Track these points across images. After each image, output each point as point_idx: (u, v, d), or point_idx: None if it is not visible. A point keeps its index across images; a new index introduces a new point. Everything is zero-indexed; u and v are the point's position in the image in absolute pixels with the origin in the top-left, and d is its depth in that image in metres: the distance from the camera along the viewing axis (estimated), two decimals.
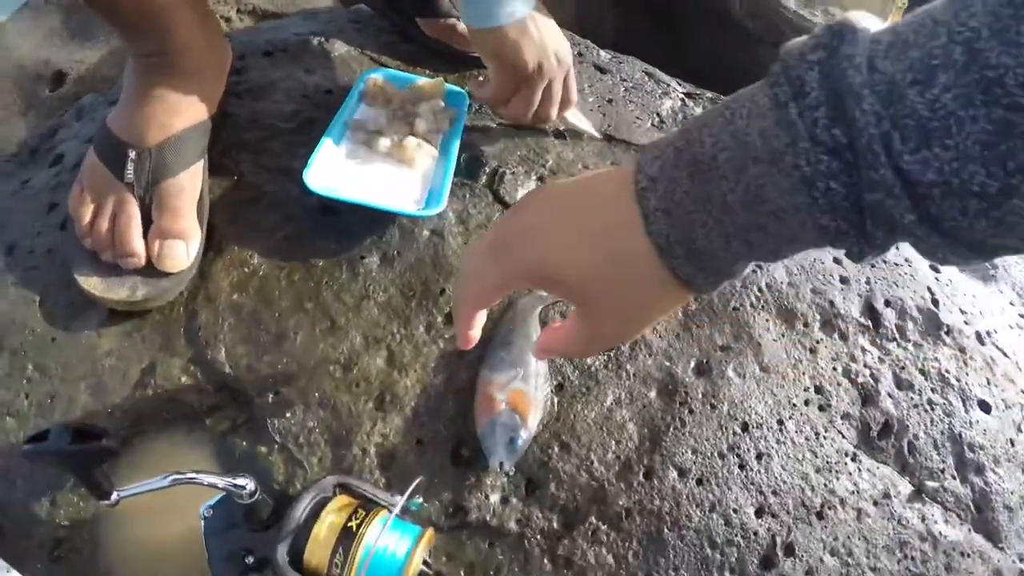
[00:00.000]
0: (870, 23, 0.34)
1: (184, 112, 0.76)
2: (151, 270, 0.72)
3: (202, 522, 0.57)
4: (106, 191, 0.72)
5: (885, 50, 0.32)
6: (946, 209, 0.31)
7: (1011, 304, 0.99)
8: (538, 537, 0.64)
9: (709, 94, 1.17)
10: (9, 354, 0.71)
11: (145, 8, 0.70)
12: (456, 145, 0.83)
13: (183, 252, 0.72)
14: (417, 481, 0.56)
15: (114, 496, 0.52)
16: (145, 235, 0.72)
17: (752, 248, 0.38)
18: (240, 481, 0.53)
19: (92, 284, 0.71)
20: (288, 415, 0.66)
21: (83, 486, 0.51)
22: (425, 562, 0.55)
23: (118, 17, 0.72)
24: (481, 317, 0.53)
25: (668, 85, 1.13)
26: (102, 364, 0.70)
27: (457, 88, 0.91)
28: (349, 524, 0.54)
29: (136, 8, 0.69)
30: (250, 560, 0.54)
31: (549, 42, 0.82)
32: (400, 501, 0.55)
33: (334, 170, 0.77)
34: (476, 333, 0.53)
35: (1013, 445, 0.81)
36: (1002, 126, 0.28)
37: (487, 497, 0.64)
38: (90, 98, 1.03)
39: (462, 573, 0.63)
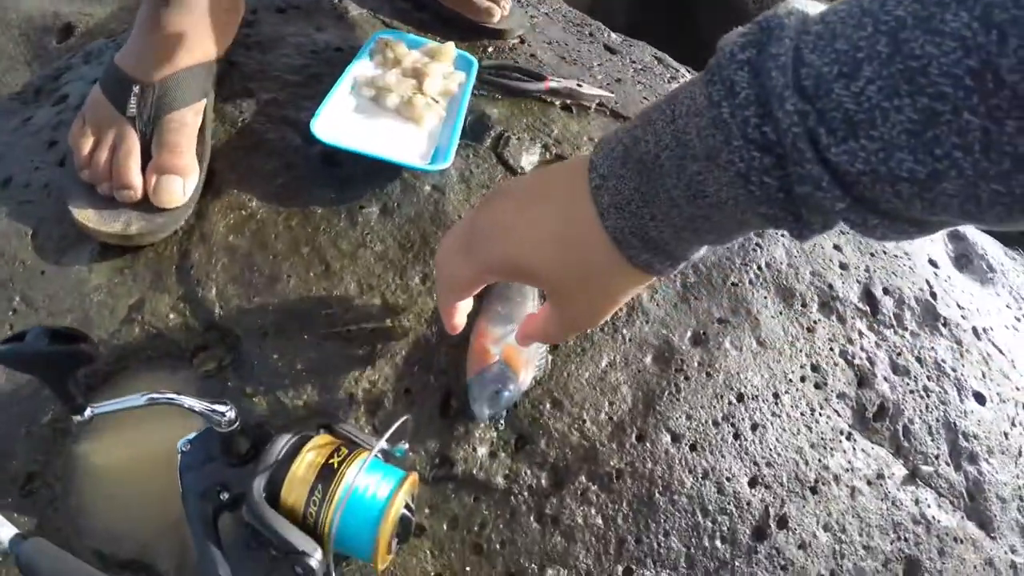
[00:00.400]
0: (807, 6, 0.35)
1: (192, 49, 0.75)
2: (147, 206, 0.71)
3: (179, 456, 0.54)
4: (107, 124, 0.72)
5: (813, 42, 0.32)
6: (879, 193, 0.31)
7: (1007, 307, 0.99)
8: (525, 494, 0.63)
9: None
10: None
11: None
12: (463, 107, 0.82)
13: (179, 188, 0.71)
14: (402, 420, 0.55)
15: (88, 411, 0.50)
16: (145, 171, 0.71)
17: (701, 235, 0.41)
18: (220, 407, 0.51)
19: (86, 216, 0.70)
20: (275, 356, 0.65)
21: (57, 397, 0.49)
22: (407, 506, 0.54)
23: None
24: (464, 306, 0.57)
25: (677, 70, 1.13)
26: (90, 298, 0.68)
27: (466, 54, 0.91)
28: (330, 462, 0.52)
29: None
30: (225, 496, 0.52)
31: None
32: (383, 440, 0.53)
33: (341, 122, 0.77)
34: (461, 320, 0.58)
35: (1007, 438, 0.81)
36: (927, 115, 0.28)
37: (475, 450, 0.63)
38: (100, 43, 1.03)
39: (445, 526, 0.61)
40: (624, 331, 0.72)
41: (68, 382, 0.48)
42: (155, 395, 0.51)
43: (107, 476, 0.63)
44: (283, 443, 0.53)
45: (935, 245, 1.01)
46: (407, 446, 0.60)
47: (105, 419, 0.52)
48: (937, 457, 0.76)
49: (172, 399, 0.51)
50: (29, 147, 0.82)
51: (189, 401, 0.51)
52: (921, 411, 0.78)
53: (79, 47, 1.32)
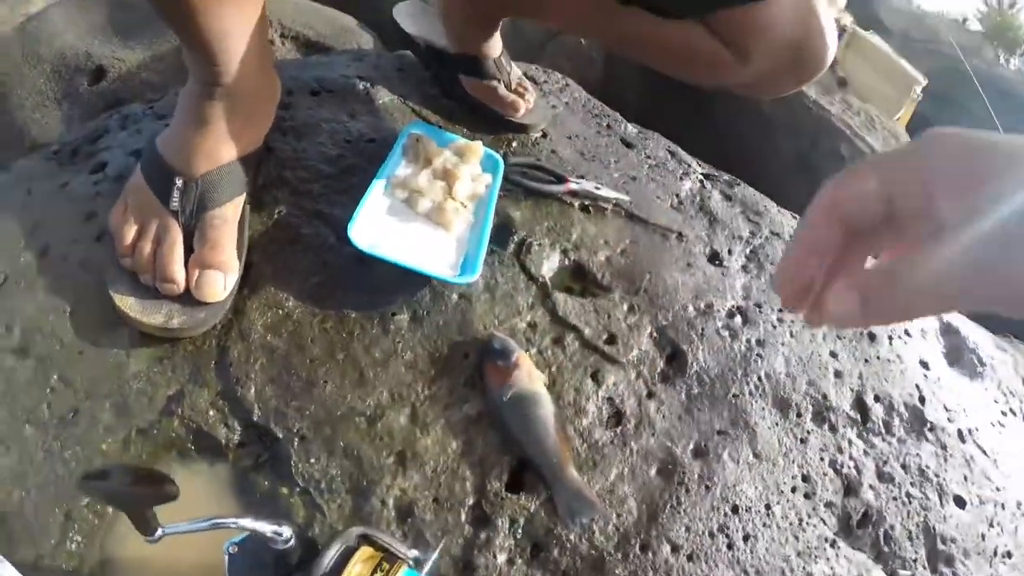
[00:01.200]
0: None
1: (234, 143, 0.78)
2: (188, 298, 0.74)
3: (226, 558, 0.59)
4: (151, 215, 0.75)
5: None
6: None
7: (995, 401, 1.06)
8: None
9: (725, 176, 1.23)
10: (35, 361, 0.72)
11: (214, 27, 0.70)
12: (491, 212, 0.87)
13: (221, 283, 0.75)
14: (442, 544, 0.60)
15: (159, 532, 0.54)
16: (185, 263, 0.74)
17: None
18: (280, 529, 0.56)
19: (128, 305, 0.73)
20: (312, 460, 0.69)
21: (132, 521, 0.53)
22: None
23: (186, 32, 0.73)
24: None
25: (689, 165, 1.19)
26: (129, 385, 0.72)
27: (493, 153, 0.96)
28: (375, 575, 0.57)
29: (205, 26, 0.70)
30: None
31: None
32: (430, 560, 0.58)
33: (376, 227, 0.81)
34: None
35: (984, 539, 0.88)
36: None
37: (495, 557, 0.68)
38: (137, 107, 1.05)
39: None
40: (632, 443, 0.77)
41: (147, 511, 0.52)
42: (220, 520, 0.55)
43: (147, 565, 0.66)
44: (331, 556, 0.57)
45: (928, 343, 1.08)
46: (437, 555, 0.65)
47: None
48: (915, 561, 0.83)
49: (237, 523, 0.55)
50: (66, 216, 0.84)
51: (253, 524, 0.55)
52: (903, 517, 0.85)
53: (109, 93, 1.36)
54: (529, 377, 0.75)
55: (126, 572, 0.66)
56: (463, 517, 0.69)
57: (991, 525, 0.90)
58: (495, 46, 1.08)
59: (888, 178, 0.36)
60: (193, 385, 0.73)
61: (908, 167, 0.36)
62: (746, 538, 0.76)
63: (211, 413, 0.71)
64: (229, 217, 0.77)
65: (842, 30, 1.91)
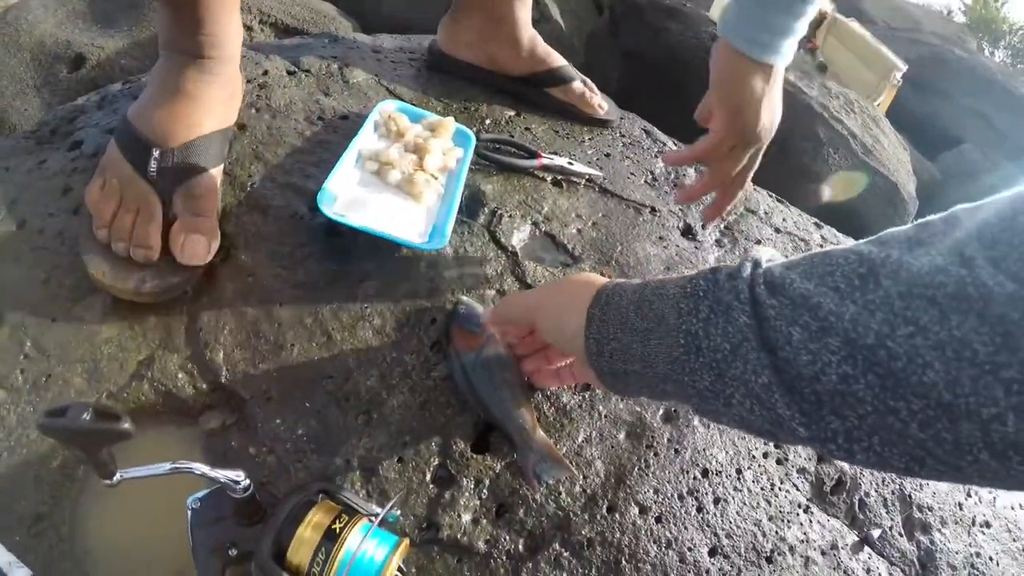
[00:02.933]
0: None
1: (215, 114, 0.79)
2: (161, 264, 0.74)
3: (189, 512, 0.60)
4: (127, 185, 0.75)
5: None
6: None
7: None
8: (503, 558, 0.68)
9: None
10: (9, 328, 0.73)
11: (204, 4, 0.73)
12: (461, 184, 0.88)
13: (205, 247, 0.75)
14: (397, 497, 0.61)
15: (117, 476, 0.54)
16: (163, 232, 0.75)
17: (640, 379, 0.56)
18: (236, 476, 0.56)
19: (102, 272, 0.73)
20: (278, 421, 0.70)
21: (89, 463, 0.53)
22: (400, 569, 0.59)
23: (176, 7, 0.75)
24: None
25: (664, 144, 1.20)
26: (101, 351, 0.72)
27: (465, 128, 0.97)
28: (332, 526, 0.58)
29: (195, 3, 0.72)
30: (233, 552, 0.58)
31: (778, 105, 0.85)
32: (382, 512, 0.59)
33: (346, 197, 0.82)
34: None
35: (961, 508, 0.88)
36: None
37: (459, 516, 0.68)
38: (115, 88, 1.06)
39: None
40: (600, 407, 0.78)
41: (102, 453, 0.53)
42: (179, 465, 0.55)
43: (116, 523, 0.67)
44: (289, 506, 0.58)
45: None
46: (399, 512, 0.65)
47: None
48: (891, 528, 0.83)
49: (193, 469, 0.55)
50: (43, 191, 0.85)
51: (209, 471, 0.56)
52: (878, 484, 0.85)
53: (88, 80, 1.37)
54: (496, 342, 0.75)
55: (97, 532, 0.66)
56: (427, 476, 0.69)
57: (968, 495, 0.91)
58: (557, 55, 1.16)
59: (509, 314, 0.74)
60: (163, 350, 0.73)
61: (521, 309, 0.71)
62: (716, 501, 0.77)
63: (180, 376, 0.72)
64: (211, 186, 0.78)
65: (823, 16, 1.92)
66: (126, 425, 0.51)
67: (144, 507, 0.66)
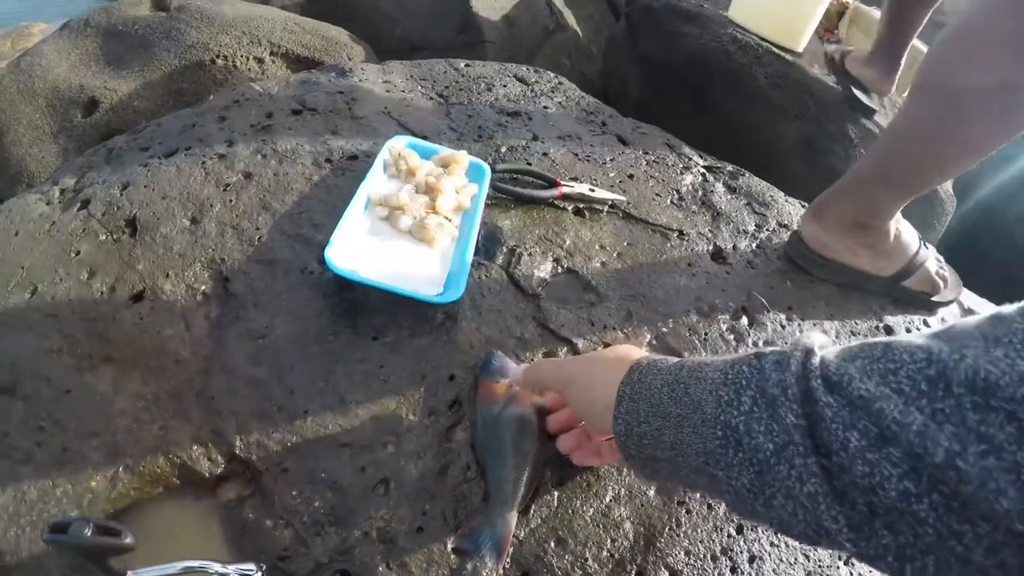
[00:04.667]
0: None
1: None
2: None
3: None
4: None
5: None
6: None
7: None
8: None
9: (730, 167, 1.19)
10: (23, 401, 0.72)
11: None
12: (476, 224, 0.85)
13: None
14: None
15: None
16: None
17: (670, 467, 0.53)
18: (248, 569, 0.55)
19: None
20: (294, 493, 0.67)
21: (97, 569, 0.52)
22: None
23: None
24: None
25: (690, 159, 1.15)
26: (116, 423, 0.71)
27: (479, 161, 0.93)
28: None
29: None
30: None
31: None
32: None
33: (355, 248, 0.79)
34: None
35: None
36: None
37: None
38: (122, 139, 1.06)
39: None
40: None
41: (109, 560, 0.52)
42: (190, 563, 0.54)
43: None
44: None
45: None
46: None
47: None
48: None
49: (206, 567, 0.54)
50: (53, 256, 0.85)
51: (222, 567, 0.54)
52: None
53: (103, 125, 1.36)
54: (522, 401, 0.72)
55: None
56: (448, 546, 0.66)
57: None
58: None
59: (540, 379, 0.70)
60: (177, 420, 0.72)
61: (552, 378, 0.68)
62: (751, 560, 0.72)
63: (195, 448, 0.70)
64: None
65: (844, 7, 1.85)
66: (128, 540, 0.50)
67: None
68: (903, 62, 1.56)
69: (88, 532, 0.49)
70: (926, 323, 1.03)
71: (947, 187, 1.66)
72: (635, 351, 0.62)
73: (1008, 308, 0.38)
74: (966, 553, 0.35)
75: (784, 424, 0.42)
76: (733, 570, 0.71)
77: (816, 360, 0.44)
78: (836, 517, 0.40)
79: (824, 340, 0.47)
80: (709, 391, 0.49)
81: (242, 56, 1.46)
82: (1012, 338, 0.35)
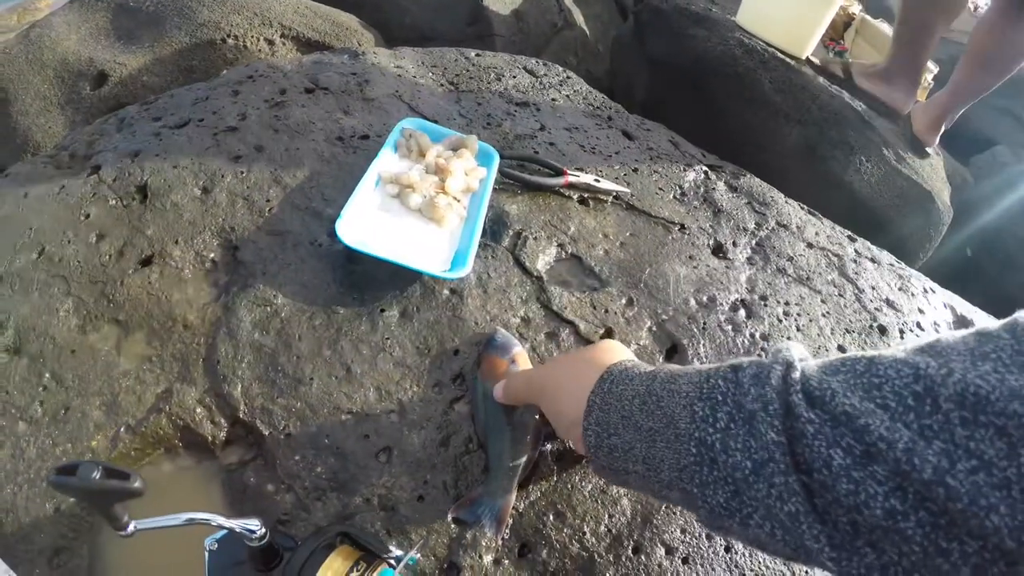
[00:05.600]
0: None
1: None
2: None
3: (207, 554, 0.59)
4: None
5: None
6: None
7: None
8: None
9: (731, 167, 1.20)
10: (28, 359, 0.73)
11: None
12: (484, 206, 0.86)
13: None
14: (420, 542, 0.59)
15: (131, 527, 0.53)
16: None
17: (642, 480, 0.52)
18: (252, 525, 0.55)
19: None
20: (297, 458, 0.68)
21: (102, 517, 0.52)
22: None
23: None
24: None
25: (693, 157, 1.16)
26: (119, 383, 0.72)
27: (488, 146, 0.94)
28: (351, 574, 0.56)
29: None
30: None
31: None
32: (404, 558, 0.57)
33: (365, 223, 0.80)
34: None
35: None
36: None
37: (481, 557, 0.66)
38: (134, 109, 1.06)
39: None
40: None
41: (115, 507, 0.52)
42: (193, 515, 0.54)
43: (135, 559, 0.66)
44: (307, 553, 0.57)
45: (940, 335, 1.04)
46: (419, 556, 0.64)
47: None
48: None
49: (208, 520, 0.54)
50: (62, 218, 0.85)
51: (224, 521, 0.54)
52: None
53: (111, 98, 1.36)
54: None
55: (116, 568, 0.65)
56: (449, 516, 0.67)
57: None
58: None
59: (514, 392, 0.69)
60: (181, 383, 0.72)
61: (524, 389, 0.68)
62: None
63: (198, 411, 0.71)
64: None
65: (850, 18, 1.87)
66: (136, 484, 0.49)
67: (163, 543, 0.64)
68: (922, 80, 1.61)
69: (96, 476, 0.49)
70: (919, 325, 1.05)
71: (945, 199, 1.69)
72: (610, 353, 0.61)
73: (992, 325, 0.38)
74: (953, 572, 0.35)
75: (764, 441, 0.41)
76: (728, 549, 0.72)
77: (797, 374, 0.43)
78: (818, 536, 0.39)
79: (803, 352, 0.46)
80: (683, 405, 0.47)
81: (253, 37, 1.47)
82: (1000, 353, 0.35)
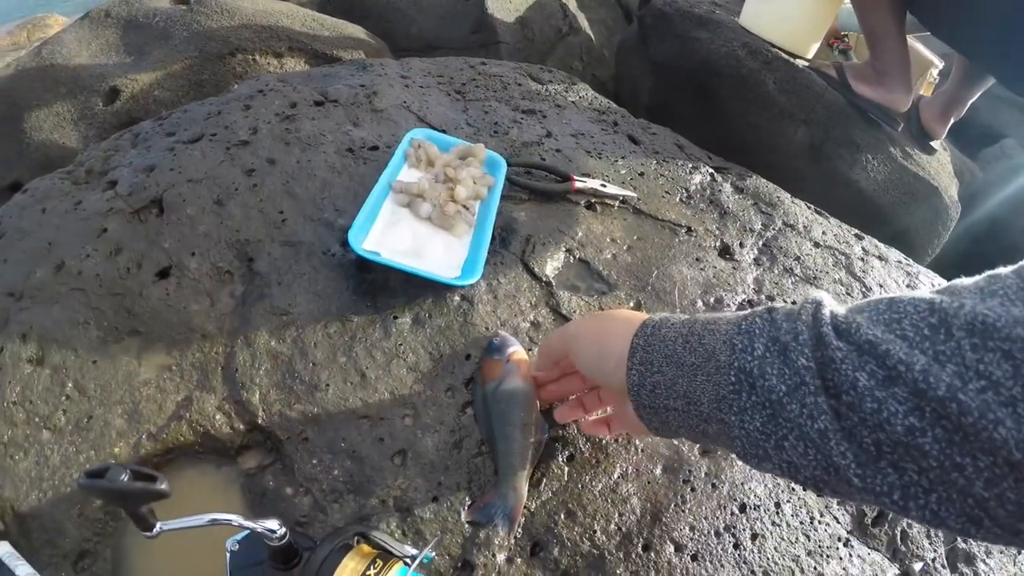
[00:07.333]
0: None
1: None
2: None
3: (228, 555, 0.60)
4: None
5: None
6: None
7: None
8: None
9: (738, 169, 1.21)
10: (51, 370, 0.75)
11: None
12: (493, 213, 0.88)
13: None
14: (435, 540, 0.61)
15: (157, 528, 0.55)
16: None
17: (682, 417, 0.55)
18: (272, 525, 0.57)
19: None
20: (315, 462, 0.70)
21: (130, 518, 0.54)
22: None
23: None
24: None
25: (699, 159, 1.18)
26: (139, 392, 0.74)
27: (496, 154, 0.96)
28: (368, 572, 0.58)
29: None
30: None
31: None
32: (419, 556, 0.59)
33: (377, 232, 0.82)
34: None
35: None
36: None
37: (494, 556, 0.68)
38: (147, 124, 1.08)
39: None
40: (637, 441, 0.77)
41: (141, 509, 0.54)
42: (216, 516, 0.56)
43: (157, 560, 0.68)
44: (326, 552, 0.59)
45: None
46: (434, 554, 0.65)
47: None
48: (933, 560, 0.80)
49: (231, 521, 0.56)
50: (80, 233, 0.87)
51: (246, 522, 0.56)
52: None
53: (124, 113, 1.39)
54: (517, 375, 0.74)
55: (139, 570, 0.67)
56: (462, 516, 0.69)
57: None
58: None
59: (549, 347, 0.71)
60: (201, 391, 0.74)
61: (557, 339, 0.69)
62: (754, 537, 0.75)
63: (218, 417, 0.73)
64: None
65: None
66: (163, 486, 0.51)
67: (185, 546, 0.66)
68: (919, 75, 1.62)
69: (125, 478, 0.51)
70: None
71: (952, 194, 1.69)
72: (638, 313, 0.64)
73: (1003, 268, 0.42)
74: (967, 486, 0.37)
75: (796, 367, 0.45)
76: (736, 546, 0.73)
77: (827, 311, 0.47)
78: (845, 453, 0.42)
79: (831, 298, 0.50)
80: (723, 340, 0.51)
81: (261, 50, 1.49)
82: (1007, 291, 0.39)
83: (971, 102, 1.67)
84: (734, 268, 1.02)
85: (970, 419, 0.36)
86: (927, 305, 0.41)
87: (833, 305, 0.48)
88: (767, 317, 0.50)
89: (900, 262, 1.20)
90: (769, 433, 0.47)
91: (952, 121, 1.71)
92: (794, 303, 0.51)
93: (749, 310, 0.53)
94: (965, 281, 0.43)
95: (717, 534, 0.74)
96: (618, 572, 0.69)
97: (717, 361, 0.51)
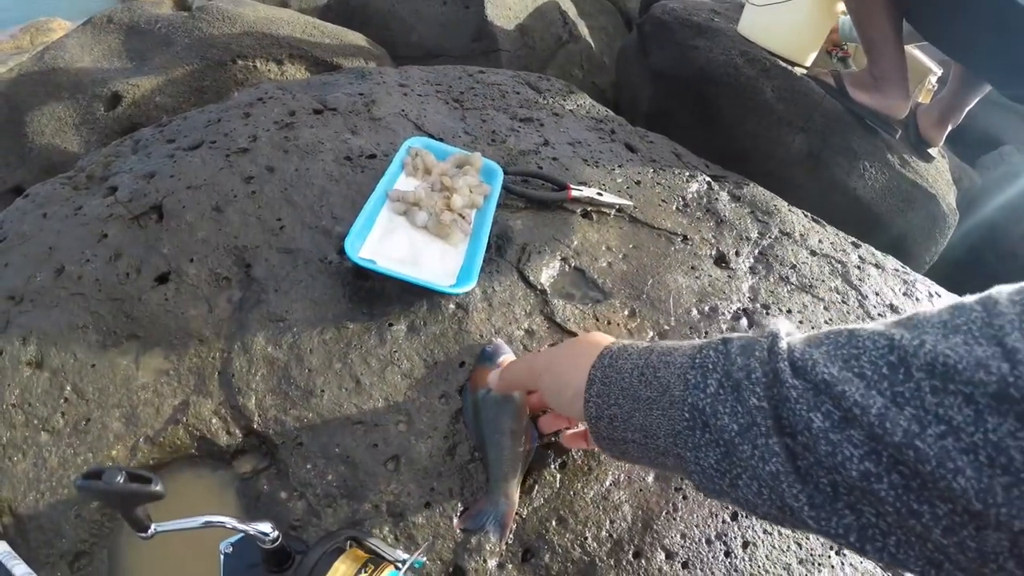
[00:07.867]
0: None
1: None
2: None
3: (221, 557, 0.61)
4: None
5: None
6: None
7: None
8: None
9: (735, 177, 1.22)
10: (50, 373, 0.76)
11: None
12: (489, 222, 0.88)
13: None
14: (426, 545, 0.61)
15: (151, 530, 0.56)
16: None
17: (640, 449, 0.55)
18: (265, 528, 0.57)
19: None
20: (309, 466, 0.71)
21: (124, 520, 0.55)
22: None
23: None
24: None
25: (696, 168, 1.18)
26: (137, 396, 0.74)
27: (493, 163, 0.97)
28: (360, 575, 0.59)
29: None
30: None
31: None
32: (409, 560, 0.59)
33: (373, 240, 0.83)
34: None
35: None
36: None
37: (485, 561, 0.68)
38: (148, 131, 1.09)
39: None
40: None
41: (136, 510, 0.54)
42: (210, 518, 0.57)
43: (152, 562, 0.68)
44: (318, 556, 0.59)
45: None
46: (425, 559, 0.66)
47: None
48: None
49: (224, 523, 0.57)
50: (80, 238, 0.88)
51: (239, 524, 0.57)
52: None
53: (126, 119, 1.40)
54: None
55: (135, 571, 0.68)
56: (454, 522, 0.69)
57: None
58: None
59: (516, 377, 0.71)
60: (197, 396, 0.75)
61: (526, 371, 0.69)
62: (745, 545, 0.75)
63: (214, 421, 0.73)
64: None
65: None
66: (158, 487, 0.52)
67: (180, 548, 0.67)
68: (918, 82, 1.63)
69: (120, 480, 0.52)
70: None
71: (950, 201, 1.70)
72: (604, 338, 0.64)
73: (968, 298, 0.40)
74: (925, 532, 0.36)
75: (748, 406, 0.44)
76: (727, 554, 0.74)
77: (783, 344, 0.46)
78: (798, 495, 0.42)
79: (790, 327, 0.49)
80: (677, 374, 0.51)
81: (262, 57, 1.50)
82: (971, 326, 0.37)
83: (969, 109, 1.67)
84: (730, 277, 1.02)
85: (928, 467, 0.35)
86: (886, 341, 0.40)
87: (791, 337, 0.47)
88: (722, 350, 0.49)
89: (897, 270, 1.20)
90: (724, 471, 0.47)
91: (950, 128, 1.71)
92: (754, 331, 0.51)
93: (704, 340, 0.53)
94: (928, 312, 0.41)
95: (708, 542, 0.74)
96: None
97: (671, 396, 0.50)
